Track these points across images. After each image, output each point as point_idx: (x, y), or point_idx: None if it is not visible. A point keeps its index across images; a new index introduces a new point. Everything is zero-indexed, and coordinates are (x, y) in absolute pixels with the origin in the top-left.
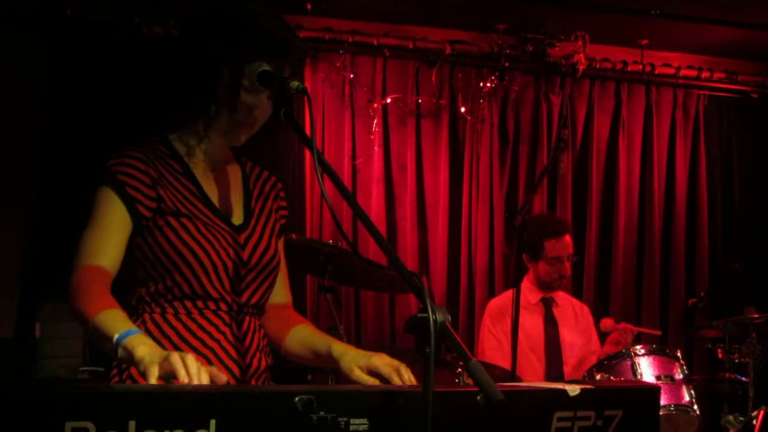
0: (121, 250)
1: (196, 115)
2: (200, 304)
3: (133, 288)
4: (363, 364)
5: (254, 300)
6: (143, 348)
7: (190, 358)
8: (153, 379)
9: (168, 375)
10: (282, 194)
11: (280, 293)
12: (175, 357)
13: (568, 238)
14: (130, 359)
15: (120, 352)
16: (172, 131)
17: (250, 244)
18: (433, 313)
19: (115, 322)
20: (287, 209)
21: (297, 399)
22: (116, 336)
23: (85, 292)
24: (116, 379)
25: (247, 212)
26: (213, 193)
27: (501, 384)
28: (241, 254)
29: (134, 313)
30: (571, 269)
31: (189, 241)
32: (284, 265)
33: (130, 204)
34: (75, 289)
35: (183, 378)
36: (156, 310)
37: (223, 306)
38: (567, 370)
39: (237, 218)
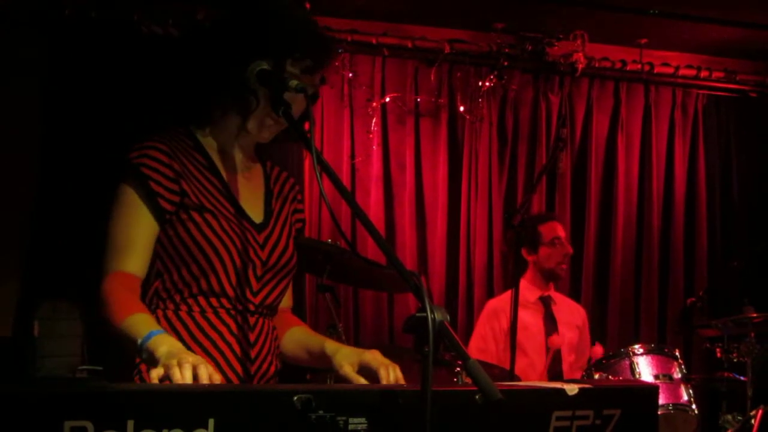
0: (148, 251)
1: (231, 110)
2: (215, 302)
3: (148, 280)
4: (354, 360)
5: (269, 300)
6: (163, 348)
7: (186, 369)
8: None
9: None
10: (299, 197)
11: (285, 297)
12: (174, 371)
13: (562, 224)
14: (152, 360)
15: (144, 355)
16: (200, 126)
17: (269, 243)
18: (432, 312)
19: (139, 326)
20: (303, 212)
21: (295, 398)
22: (139, 340)
23: (111, 301)
24: (137, 378)
25: (268, 211)
26: (236, 189)
27: (499, 383)
28: (260, 253)
29: (148, 308)
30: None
31: (211, 237)
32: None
33: (152, 200)
34: (103, 298)
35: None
36: (170, 306)
37: (238, 306)
38: (565, 368)
39: (258, 216)
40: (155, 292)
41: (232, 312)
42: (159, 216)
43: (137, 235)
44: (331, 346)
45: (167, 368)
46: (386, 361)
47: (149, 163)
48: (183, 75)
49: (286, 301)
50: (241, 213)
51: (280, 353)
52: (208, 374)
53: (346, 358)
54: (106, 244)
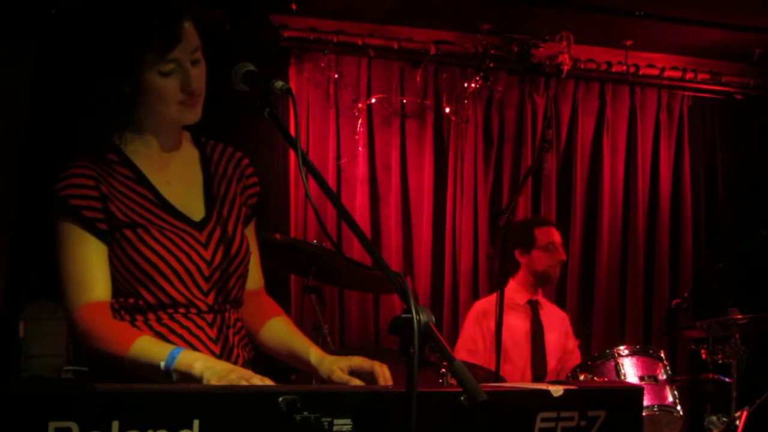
0: (107, 274)
1: (119, 107)
2: (170, 310)
3: None
4: (344, 365)
5: (223, 297)
6: (198, 364)
7: (256, 383)
8: None
9: None
10: (249, 171)
11: (253, 278)
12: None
13: (556, 230)
14: (189, 379)
15: (175, 376)
16: (113, 132)
17: (213, 240)
18: (417, 313)
19: (152, 350)
20: (257, 186)
21: (281, 399)
22: (162, 364)
23: (103, 332)
24: None
25: (209, 201)
26: (170, 192)
27: (484, 384)
28: (204, 254)
29: None
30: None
31: (146, 253)
32: (255, 249)
33: (91, 226)
34: (86, 332)
35: None
36: (126, 318)
37: (193, 310)
38: (551, 371)
39: (198, 212)
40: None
41: (190, 316)
42: (103, 238)
43: (91, 263)
44: (315, 355)
45: (232, 383)
46: (376, 362)
47: (76, 192)
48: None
49: (258, 282)
50: (178, 217)
51: (249, 343)
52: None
53: (335, 363)
54: (62, 280)
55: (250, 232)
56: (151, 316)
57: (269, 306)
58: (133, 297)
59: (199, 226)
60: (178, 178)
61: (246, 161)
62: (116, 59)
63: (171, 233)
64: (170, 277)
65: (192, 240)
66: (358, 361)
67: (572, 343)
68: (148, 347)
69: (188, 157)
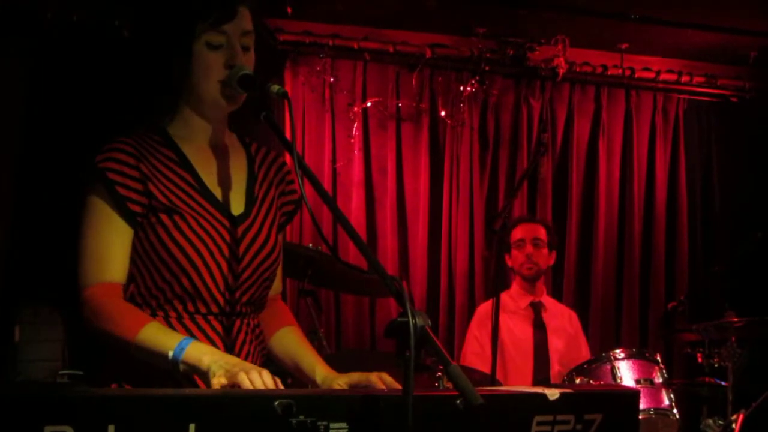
0: (126, 257)
1: (172, 86)
2: (190, 307)
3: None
4: (342, 382)
5: (247, 297)
6: (206, 358)
7: (255, 376)
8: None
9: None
10: (289, 177)
11: (274, 284)
12: (242, 376)
13: (533, 225)
14: (196, 372)
15: (182, 367)
16: (162, 116)
17: (248, 237)
18: (413, 317)
19: (161, 338)
20: (296, 193)
21: (276, 403)
22: (171, 354)
23: (109, 314)
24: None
25: (249, 199)
26: (212, 181)
27: (481, 388)
28: (237, 251)
29: None
30: (539, 255)
31: (180, 240)
32: (281, 256)
33: (122, 204)
34: (95, 312)
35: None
36: (146, 311)
37: (214, 308)
38: (554, 375)
39: (237, 207)
40: (131, 296)
41: (209, 317)
42: (131, 220)
43: (112, 242)
44: (321, 374)
45: (233, 376)
46: (373, 374)
47: (114, 166)
48: (136, 64)
49: (276, 288)
50: (216, 207)
51: (264, 349)
52: (273, 380)
53: (335, 381)
54: (79, 254)
55: (280, 239)
56: (171, 312)
57: (283, 314)
58: (155, 283)
59: (237, 220)
60: (222, 172)
61: (287, 168)
62: (169, 27)
63: (207, 224)
64: (200, 268)
65: (227, 234)
66: (356, 378)
67: (585, 348)
68: (157, 334)
69: (234, 154)
